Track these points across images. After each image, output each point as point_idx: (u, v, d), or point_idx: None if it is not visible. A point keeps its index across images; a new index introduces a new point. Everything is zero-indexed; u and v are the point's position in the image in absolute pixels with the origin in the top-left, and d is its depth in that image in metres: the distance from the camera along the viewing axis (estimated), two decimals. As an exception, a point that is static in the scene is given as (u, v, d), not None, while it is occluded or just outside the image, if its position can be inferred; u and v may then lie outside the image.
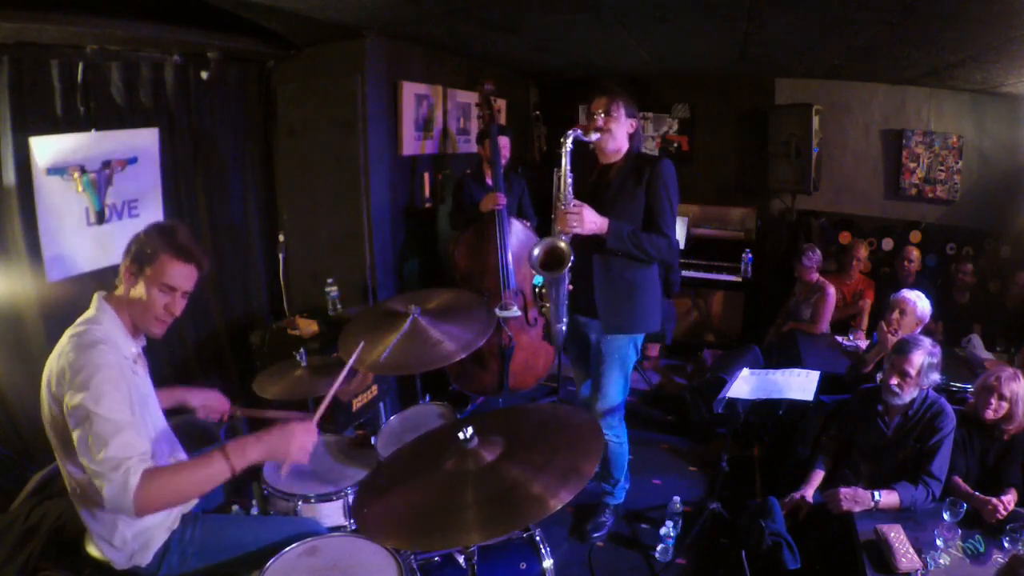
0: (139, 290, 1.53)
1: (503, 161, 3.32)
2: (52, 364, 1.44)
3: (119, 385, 1.42)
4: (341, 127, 3.18)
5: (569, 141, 2.18)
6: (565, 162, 2.19)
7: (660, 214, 2.30)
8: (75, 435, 1.36)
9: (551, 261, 2.23)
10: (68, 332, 1.48)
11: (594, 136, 2.29)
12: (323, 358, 2.45)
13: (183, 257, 1.54)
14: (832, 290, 3.77)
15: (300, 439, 1.52)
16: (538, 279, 3.42)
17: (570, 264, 2.20)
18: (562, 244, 2.21)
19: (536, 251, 2.23)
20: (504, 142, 3.34)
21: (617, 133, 2.32)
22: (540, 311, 2.43)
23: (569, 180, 2.21)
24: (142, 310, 1.54)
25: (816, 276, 3.83)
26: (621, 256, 2.30)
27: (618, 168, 2.37)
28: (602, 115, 2.31)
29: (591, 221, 2.20)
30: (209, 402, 1.94)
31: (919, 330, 2.78)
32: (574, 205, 2.20)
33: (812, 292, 3.81)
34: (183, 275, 1.55)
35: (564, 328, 2.39)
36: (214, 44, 2.78)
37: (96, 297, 1.55)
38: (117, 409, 1.38)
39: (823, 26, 2.77)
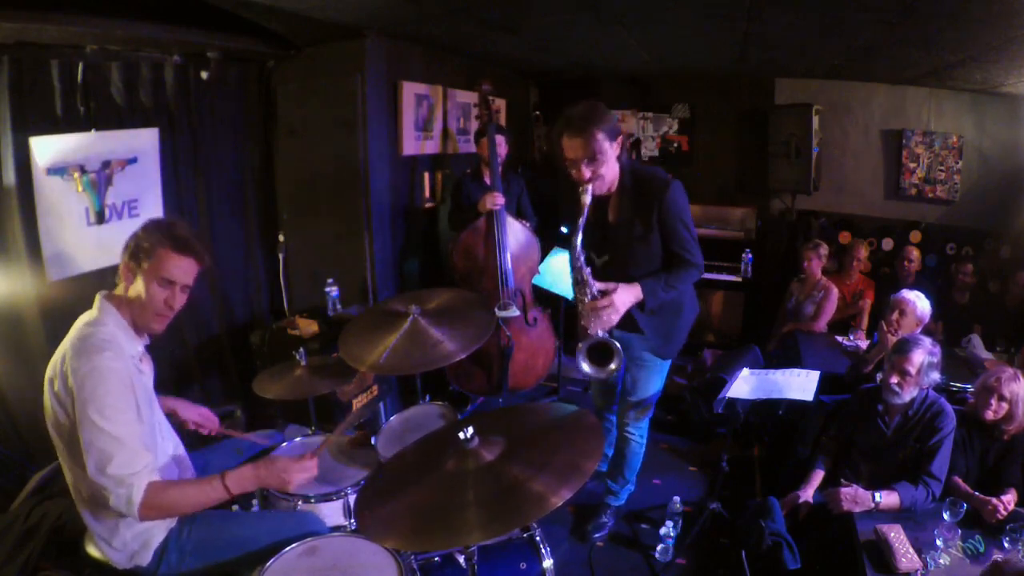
0: (138, 286, 1.53)
1: (500, 160, 3.32)
2: (55, 365, 1.44)
3: (125, 394, 1.43)
4: (341, 127, 3.18)
5: (579, 241, 1.93)
6: (580, 264, 1.95)
7: (683, 246, 2.07)
8: (83, 443, 1.38)
9: (600, 358, 2.04)
10: (72, 334, 1.48)
11: (588, 198, 1.93)
12: (323, 358, 2.45)
13: (181, 250, 1.53)
14: (836, 290, 3.79)
15: (297, 477, 1.62)
16: (537, 279, 3.43)
17: (622, 360, 2.01)
18: (606, 342, 1.99)
19: (584, 365, 2.03)
20: (500, 141, 3.34)
21: (607, 171, 1.97)
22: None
23: (588, 274, 1.98)
24: (141, 306, 1.53)
25: (819, 274, 3.85)
26: None
27: (617, 203, 2.07)
28: (586, 165, 1.91)
29: (625, 303, 1.98)
30: (200, 419, 1.94)
31: (919, 330, 2.77)
32: (601, 293, 1.97)
33: (817, 290, 3.82)
34: (182, 268, 1.54)
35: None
36: (214, 44, 2.78)
37: (98, 297, 1.55)
38: (122, 422, 1.39)
39: (823, 26, 2.77)
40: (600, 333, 2.00)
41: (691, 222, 2.09)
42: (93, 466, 1.36)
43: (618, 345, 2.01)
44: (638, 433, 2.54)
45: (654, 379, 2.41)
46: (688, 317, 2.34)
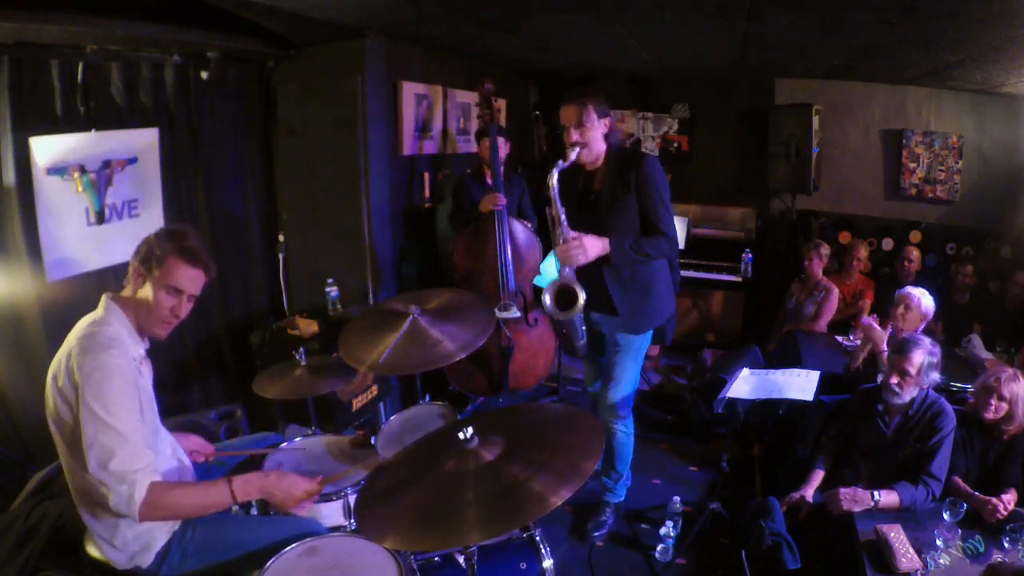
0: (146, 291, 1.55)
1: (501, 161, 3.32)
2: (60, 362, 1.45)
3: (129, 392, 1.44)
4: (341, 127, 3.18)
5: (554, 180, 2.20)
6: (554, 197, 2.21)
7: (656, 216, 2.30)
8: (85, 439, 1.38)
9: (564, 300, 2.26)
10: (77, 332, 1.48)
11: (573, 155, 2.26)
12: (323, 358, 2.45)
13: (191, 261, 1.56)
14: (836, 290, 3.79)
15: (301, 498, 1.62)
16: (538, 279, 3.43)
17: (583, 302, 2.22)
18: (571, 284, 2.23)
19: (547, 298, 2.27)
20: (501, 142, 3.34)
21: (593, 141, 2.29)
22: (557, 333, 2.45)
23: (562, 216, 2.22)
24: (148, 311, 1.55)
25: (820, 274, 3.85)
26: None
27: (602, 174, 2.35)
28: (574, 129, 2.27)
29: (593, 248, 2.21)
30: (193, 447, 1.91)
31: (922, 326, 2.78)
32: (573, 237, 2.21)
33: (818, 290, 3.82)
34: (190, 278, 1.57)
35: (585, 342, 2.48)
36: (214, 44, 2.78)
37: (104, 297, 1.56)
38: (126, 419, 1.40)
39: (823, 26, 2.77)
40: (568, 272, 2.24)
41: (667, 198, 2.32)
42: (95, 462, 1.36)
43: (582, 291, 2.23)
44: (621, 424, 2.59)
45: (630, 363, 2.49)
46: (660, 298, 2.44)
